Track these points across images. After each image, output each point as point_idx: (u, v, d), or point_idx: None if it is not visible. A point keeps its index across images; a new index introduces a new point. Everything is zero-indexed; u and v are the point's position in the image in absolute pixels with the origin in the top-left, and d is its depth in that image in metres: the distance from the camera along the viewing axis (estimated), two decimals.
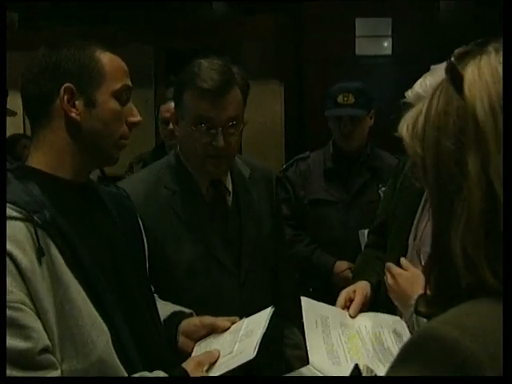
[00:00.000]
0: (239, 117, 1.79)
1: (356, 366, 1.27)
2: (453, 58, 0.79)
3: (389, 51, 5.02)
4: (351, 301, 1.86)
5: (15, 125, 4.56)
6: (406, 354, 0.72)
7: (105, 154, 1.37)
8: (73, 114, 1.31)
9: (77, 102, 1.32)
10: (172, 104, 3.12)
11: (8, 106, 2.71)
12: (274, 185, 2.09)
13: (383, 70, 4.89)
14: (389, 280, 1.70)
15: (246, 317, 1.56)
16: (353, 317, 1.79)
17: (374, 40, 5.00)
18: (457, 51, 0.80)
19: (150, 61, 5.51)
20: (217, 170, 1.84)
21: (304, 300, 1.69)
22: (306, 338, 1.56)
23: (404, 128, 0.82)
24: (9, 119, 3.07)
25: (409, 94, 1.83)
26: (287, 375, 1.60)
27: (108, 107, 1.33)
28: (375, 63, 4.99)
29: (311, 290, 2.90)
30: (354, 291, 1.90)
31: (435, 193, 0.79)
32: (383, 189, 2.68)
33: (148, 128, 4.64)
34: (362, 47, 5.00)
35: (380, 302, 1.99)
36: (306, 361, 1.89)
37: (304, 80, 5.20)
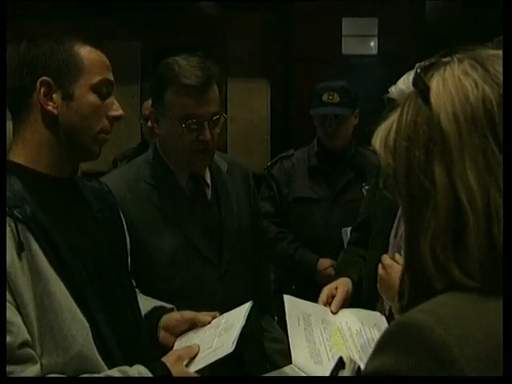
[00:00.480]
0: (220, 111, 1.86)
1: (340, 359, 1.28)
2: (419, 70, 0.82)
3: (375, 51, 5.04)
4: (333, 297, 1.89)
5: None
6: (384, 342, 0.74)
7: (84, 148, 1.36)
8: (49, 107, 1.31)
9: (54, 96, 1.32)
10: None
11: None
12: (250, 179, 2.13)
13: (369, 70, 4.91)
14: (380, 270, 1.72)
15: (228, 309, 1.58)
16: (334, 313, 1.81)
17: (361, 39, 5.01)
18: (422, 64, 0.83)
19: (136, 57, 5.51)
20: (203, 163, 1.88)
21: (286, 298, 1.71)
22: (289, 336, 1.58)
23: (377, 141, 0.85)
24: None
25: (392, 90, 1.84)
26: (269, 374, 1.60)
27: (86, 101, 1.33)
28: (361, 63, 5.01)
29: (294, 287, 2.92)
30: (336, 288, 1.93)
31: (406, 202, 0.81)
32: (367, 187, 2.70)
33: (133, 124, 4.63)
34: (349, 47, 5.01)
35: (362, 298, 2.01)
36: (285, 354, 1.92)
37: (290, 78, 5.21)
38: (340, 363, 1.26)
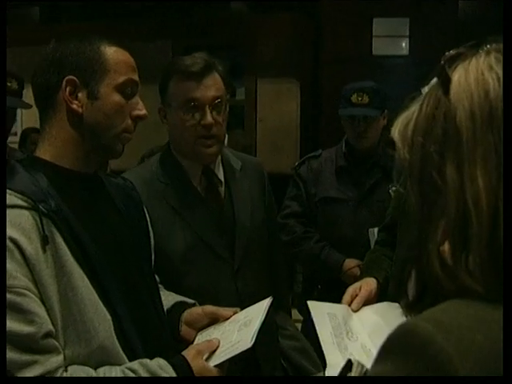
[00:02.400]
0: (223, 97, 1.91)
1: (349, 362, 1.28)
2: (443, 61, 0.78)
3: (406, 51, 5.00)
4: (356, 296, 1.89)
5: (33, 118, 4.63)
6: (385, 349, 0.72)
7: (107, 146, 1.39)
8: (74, 106, 1.35)
9: (80, 94, 1.35)
10: None
11: (25, 99, 2.77)
12: (265, 176, 2.16)
13: (400, 70, 4.88)
14: None
15: (241, 305, 1.60)
16: (355, 311, 1.81)
17: (392, 40, 4.98)
18: (448, 53, 0.79)
19: (167, 57, 5.56)
20: (208, 150, 1.90)
21: (310, 303, 1.72)
22: (320, 338, 1.58)
23: (396, 131, 0.81)
24: (28, 112, 3.13)
25: (425, 89, 1.81)
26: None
27: (110, 100, 1.36)
28: (392, 63, 4.97)
29: (320, 287, 2.92)
30: (360, 287, 1.92)
31: (418, 199, 0.78)
32: (394, 188, 2.68)
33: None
34: (379, 47, 4.98)
35: (387, 298, 2.00)
36: (301, 351, 1.93)
37: (320, 79, 5.20)
38: (348, 366, 1.26)
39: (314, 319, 1.64)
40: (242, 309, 1.58)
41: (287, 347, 2.05)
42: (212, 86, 1.87)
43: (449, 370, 0.65)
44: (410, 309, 0.80)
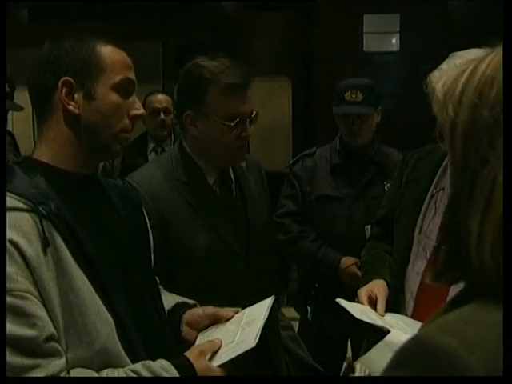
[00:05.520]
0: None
1: (349, 365, 1.28)
2: None
3: (396, 48, 5.01)
4: (370, 298, 1.89)
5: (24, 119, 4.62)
6: (399, 360, 0.67)
7: (105, 147, 1.38)
8: (71, 107, 1.33)
9: (76, 95, 1.34)
10: (160, 96, 3.58)
11: (16, 101, 2.75)
12: (263, 174, 2.20)
13: (391, 67, 4.89)
14: None
15: (255, 301, 1.60)
16: (382, 315, 1.81)
17: (382, 36, 4.99)
18: None
19: (158, 56, 5.54)
20: (240, 159, 1.98)
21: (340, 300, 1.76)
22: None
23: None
24: (19, 114, 3.11)
25: (435, 73, 1.75)
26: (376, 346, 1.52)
27: (107, 100, 1.35)
28: (383, 60, 4.99)
29: (317, 285, 2.91)
30: (372, 290, 1.92)
31: (459, 161, 0.72)
32: (389, 185, 2.68)
33: None
34: (370, 44, 4.99)
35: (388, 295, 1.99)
36: (295, 340, 1.99)
37: (312, 76, 5.21)
38: (349, 368, 1.26)
39: (348, 308, 1.70)
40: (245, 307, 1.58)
41: (284, 337, 2.08)
42: (251, 98, 1.85)
43: None
44: (436, 275, 0.76)
